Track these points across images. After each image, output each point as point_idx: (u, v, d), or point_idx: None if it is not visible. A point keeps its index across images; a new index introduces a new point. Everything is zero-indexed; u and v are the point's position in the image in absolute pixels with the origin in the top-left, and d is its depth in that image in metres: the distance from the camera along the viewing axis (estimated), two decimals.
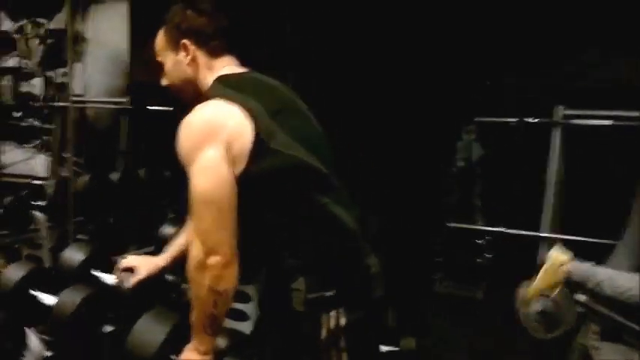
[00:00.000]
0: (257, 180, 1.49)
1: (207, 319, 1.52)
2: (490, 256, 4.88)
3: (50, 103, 5.89)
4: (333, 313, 1.48)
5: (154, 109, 4.46)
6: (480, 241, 4.90)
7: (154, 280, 2.05)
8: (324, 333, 1.48)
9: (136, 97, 5.13)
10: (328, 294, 1.49)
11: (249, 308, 2.88)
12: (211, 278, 1.45)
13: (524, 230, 4.19)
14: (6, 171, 6.10)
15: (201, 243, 1.45)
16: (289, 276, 1.51)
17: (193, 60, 1.65)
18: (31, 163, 6.20)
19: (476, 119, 4.59)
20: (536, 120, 4.09)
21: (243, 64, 1.72)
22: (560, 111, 4.07)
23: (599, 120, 3.94)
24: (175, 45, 1.66)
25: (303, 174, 1.53)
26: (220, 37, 1.66)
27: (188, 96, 1.69)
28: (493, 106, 4.59)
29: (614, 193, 4.12)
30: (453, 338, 3.97)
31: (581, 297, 2.95)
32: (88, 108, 5.62)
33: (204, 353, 1.56)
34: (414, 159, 4.69)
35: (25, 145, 6.29)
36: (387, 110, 4.70)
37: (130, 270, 2.02)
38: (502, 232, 4.33)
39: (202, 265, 1.45)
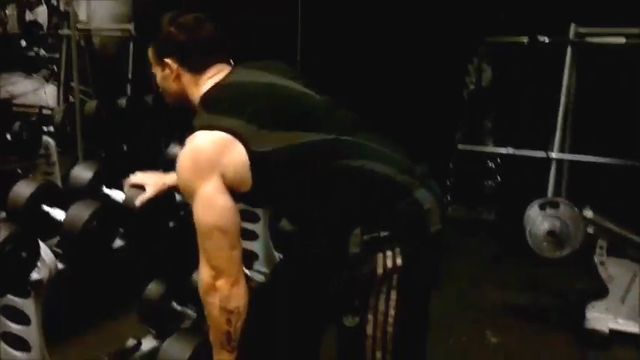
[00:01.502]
0: (272, 180, 1.53)
1: (223, 336, 1.60)
2: (499, 178, 4.88)
3: (55, 31, 5.89)
4: (389, 252, 1.46)
5: None
6: (490, 164, 4.89)
7: (162, 197, 2.08)
8: (380, 271, 1.46)
9: (141, 23, 5.08)
10: (383, 234, 1.47)
11: (258, 228, 2.92)
12: (221, 298, 1.53)
13: (536, 151, 4.19)
14: (16, 101, 6.14)
15: (208, 267, 1.53)
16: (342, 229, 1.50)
17: (178, 77, 1.68)
18: (39, 93, 6.24)
19: (487, 39, 4.50)
20: (548, 39, 4.01)
21: (232, 59, 1.73)
22: (574, 29, 3.99)
23: (613, 37, 3.86)
24: (161, 62, 1.69)
25: (310, 152, 1.53)
26: (204, 52, 1.67)
27: (177, 104, 1.74)
28: (506, 25, 4.48)
29: (626, 112, 4.08)
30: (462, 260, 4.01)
31: (588, 213, 2.96)
32: (93, 35, 5.58)
33: None
34: (424, 81, 4.62)
35: (34, 75, 6.32)
36: (396, 31, 4.60)
37: (139, 187, 2.04)
38: (512, 153, 4.33)
39: (211, 288, 1.53)
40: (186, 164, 1.52)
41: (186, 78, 1.67)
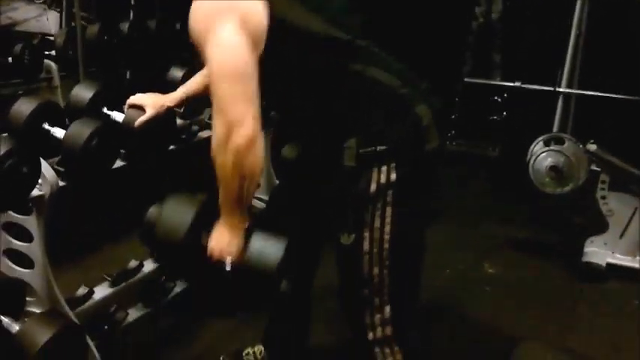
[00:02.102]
0: (280, 58, 1.44)
1: (234, 198, 1.45)
2: (505, 113, 4.83)
3: None
4: (384, 167, 1.46)
5: None
6: (496, 98, 4.84)
7: (162, 118, 2.06)
8: (373, 187, 1.46)
9: None
10: (380, 148, 1.45)
11: None
12: (236, 154, 1.34)
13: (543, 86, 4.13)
14: (18, 28, 6.04)
15: (222, 119, 1.35)
16: (338, 137, 1.48)
17: None
18: (42, 19, 6.13)
19: None
20: None
21: None
22: None
23: None
24: None
25: (326, 45, 1.48)
26: None
27: None
28: None
29: (635, 48, 4.01)
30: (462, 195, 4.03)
31: (592, 146, 2.95)
32: None
33: (236, 228, 1.50)
34: (432, 10, 4.52)
35: (36, 1, 6.19)
36: None
37: (139, 107, 2.03)
38: (519, 87, 4.27)
39: (224, 143, 1.35)
40: (206, 4, 1.37)
41: None
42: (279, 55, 1.43)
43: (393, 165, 1.45)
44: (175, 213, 1.60)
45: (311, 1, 1.50)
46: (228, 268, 1.51)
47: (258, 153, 1.38)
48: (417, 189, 1.51)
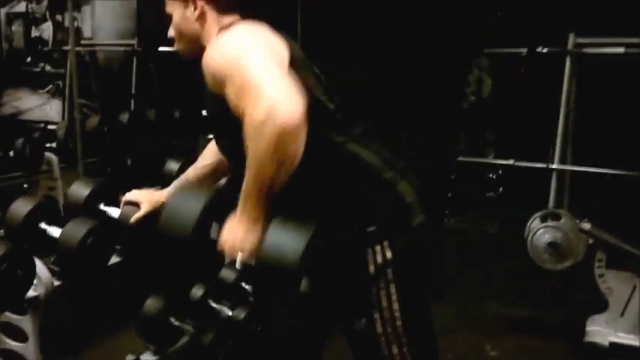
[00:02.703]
0: None
1: (263, 186, 1.35)
2: (501, 189, 4.88)
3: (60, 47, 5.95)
4: (377, 247, 1.49)
5: (163, 51, 4.44)
6: (491, 175, 4.90)
7: (157, 214, 2.09)
8: (372, 268, 1.50)
9: (145, 38, 5.12)
10: (370, 229, 1.49)
11: None
12: (281, 132, 1.24)
13: (536, 163, 4.19)
14: (22, 117, 6.20)
15: (262, 99, 1.26)
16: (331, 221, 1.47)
17: (201, 16, 1.61)
18: (45, 108, 6.30)
19: (486, 50, 4.52)
20: (546, 50, 4.02)
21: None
22: (573, 39, 4.00)
23: (612, 47, 3.86)
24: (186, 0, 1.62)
25: (321, 113, 1.49)
26: None
27: (190, 52, 1.65)
28: (504, 36, 4.50)
29: (627, 122, 4.09)
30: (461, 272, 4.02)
31: (586, 225, 2.97)
32: (97, 51, 5.64)
33: (255, 221, 1.39)
34: (423, 92, 4.65)
35: (40, 91, 6.38)
36: (396, 43, 4.62)
37: (134, 204, 2.06)
38: (512, 165, 4.33)
39: (265, 120, 1.24)
40: (224, 47, 1.43)
41: (210, 17, 1.60)
42: None
43: (386, 244, 1.49)
44: (185, 201, 1.47)
45: (307, 68, 1.55)
46: (238, 266, 1.40)
47: (303, 137, 1.29)
48: (414, 263, 1.56)
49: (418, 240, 1.57)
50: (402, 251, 1.50)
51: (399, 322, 1.52)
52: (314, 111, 1.34)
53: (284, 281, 1.34)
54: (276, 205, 1.41)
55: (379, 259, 1.49)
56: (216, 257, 1.43)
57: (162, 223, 1.47)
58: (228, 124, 1.42)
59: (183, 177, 2.16)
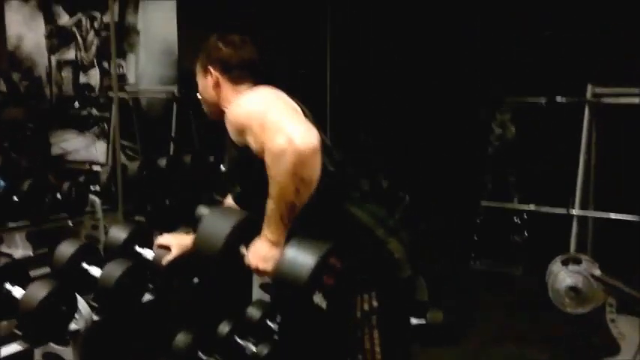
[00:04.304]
0: None
1: (285, 207, 1.54)
2: (526, 234, 4.97)
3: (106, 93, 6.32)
4: (365, 296, 1.70)
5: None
6: (516, 219, 5.00)
7: (187, 256, 2.30)
8: (359, 314, 1.70)
9: (185, 86, 5.42)
10: (360, 278, 1.71)
11: None
12: (298, 160, 1.46)
13: (557, 207, 4.29)
14: (69, 157, 6.57)
15: (281, 132, 1.49)
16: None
17: (217, 85, 1.88)
18: (91, 149, 6.66)
19: (508, 99, 4.68)
20: (564, 99, 4.17)
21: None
22: (591, 89, 4.13)
23: (630, 97, 3.98)
24: (205, 70, 1.90)
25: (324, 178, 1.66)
26: (244, 68, 1.87)
27: (214, 114, 1.94)
28: (527, 85, 4.65)
29: None
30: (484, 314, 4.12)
31: (597, 271, 3.07)
32: (140, 97, 5.98)
33: (276, 244, 1.60)
34: (449, 139, 4.82)
35: (86, 133, 6.75)
36: (423, 91, 4.83)
37: (166, 247, 2.28)
38: (533, 210, 4.45)
39: (285, 150, 1.47)
40: (244, 107, 1.67)
41: (225, 87, 1.87)
42: None
43: (373, 294, 1.70)
44: (217, 221, 1.67)
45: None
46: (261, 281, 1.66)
47: (319, 162, 1.51)
48: (396, 312, 1.77)
49: (402, 292, 1.79)
50: (386, 301, 1.71)
51: None
52: (326, 177, 1.59)
53: (296, 296, 1.55)
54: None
55: (366, 306, 1.70)
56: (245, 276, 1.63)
57: (196, 238, 1.69)
58: (249, 170, 1.68)
59: None
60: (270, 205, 1.57)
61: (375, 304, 1.69)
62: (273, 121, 1.53)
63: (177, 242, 2.26)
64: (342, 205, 1.75)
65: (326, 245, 1.56)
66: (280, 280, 1.55)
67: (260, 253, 1.63)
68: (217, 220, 1.68)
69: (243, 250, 1.64)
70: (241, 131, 1.65)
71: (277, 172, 1.50)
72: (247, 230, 1.64)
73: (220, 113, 1.83)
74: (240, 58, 1.87)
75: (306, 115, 1.69)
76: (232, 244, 1.62)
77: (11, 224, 3.54)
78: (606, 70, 4.19)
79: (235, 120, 1.69)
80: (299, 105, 1.73)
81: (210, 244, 1.62)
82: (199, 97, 1.97)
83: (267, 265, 1.61)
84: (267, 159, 1.51)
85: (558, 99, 4.22)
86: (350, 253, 1.71)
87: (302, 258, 1.53)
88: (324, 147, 1.74)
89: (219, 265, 1.65)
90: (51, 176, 4.51)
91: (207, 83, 1.90)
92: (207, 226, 1.67)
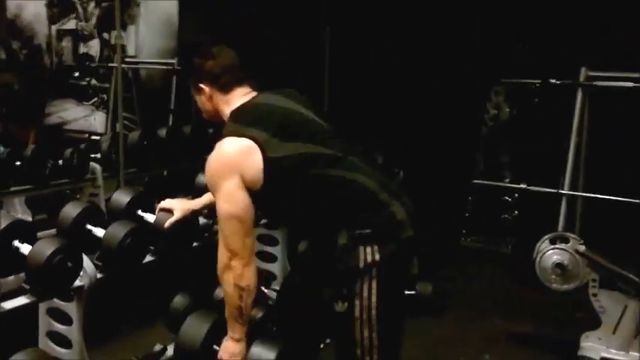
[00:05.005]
0: (280, 181, 1.87)
1: (236, 310, 1.92)
2: (516, 212, 5.07)
3: (106, 63, 6.35)
4: (369, 249, 1.80)
5: None
6: (507, 198, 5.10)
7: (188, 220, 2.39)
8: (361, 264, 1.80)
9: (185, 57, 5.45)
10: (365, 232, 1.81)
11: (276, 251, 3.22)
12: (235, 276, 1.87)
13: (548, 188, 4.38)
14: (67, 127, 6.61)
15: (225, 250, 1.87)
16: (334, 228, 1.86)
17: (210, 98, 2.06)
18: (89, 119, 6.71)
19: (503, 80, 4.75)
20: (558, 81, 4.24)
21: (257, 86, 2.09)
22: (584, 72, 4.20)
23: (622, 82, 4.06)
24: (197, 89, 2.09)
25: (313, 160, 1.89)
26: (227, 73, 2.04)
27: (216, 121, 2.11)
28: (522, 67, 4.71)
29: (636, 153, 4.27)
30: (472, 289, 4.23)
31: (581, 247, 3.17)
32: (140, 68, 6.02)
33: (238, 340, 1.98)
34: (445, 118, 4.90)
35: (85, 103, 6.79)
36: (420, 70, 4.90)
37: (168, 211, 2.36)
38: (524, 188, 4.53)
39: (227, 267, 1.87)
40: (214, 164, 1.88)
41: (218, 98, 2.05)
42: (277, 180, 1.85)
43: (375, 248, 1.81)
44: (193, 330, 2.14)
45: (299, 133, 1.93)
46: None
47: (253, 275, 1.90)
48: (396, 268, 1.87)
49: (403, 250, 1.88)
50: (388, 257, 1.81)
51: (373, 312, 1.82)
52: (307, 165, 1.87)
53: None
54: (300, 216, 1.98)
55: (369, 258, 1.81)
56: None
57: (178, 338, 2.17)
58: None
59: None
60: (226, 309, 1.96)
61: (377, 257, 1.80)
62: (228, 232, 1.87)
63: (179, 206, 2.35)
64: (343, 176, 1.87)
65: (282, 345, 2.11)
66: None
67: (228, 350, 1.99)
68: (195, 325, 2.16)
69: (215, 347, 2.06)
70: (212, 190, 1.95)
71: (223, 283, 1.91)
72: (219, 330, 2.07)
73: (219, 118, 2.07)
74: (222, 66, 2.04)
75: (282, 135, 1.88)
76: (207, 345, 2.10)
77: (13, 188, 3.61)
78: (600, 54, 4.25)
79: (206, 174, 1.93)
80: (279, 124, 1.91)
81: (189, 345, 2.12)
82: (201, 112, 2.16)
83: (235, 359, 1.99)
84: (218, 268, 1.91)
85: (552, 81, 4.28)
86: (355, 213, 1.85)
87: (265, 353, 2.09)
88: (319, 135, 1.97)
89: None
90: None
91: (203, 100, 2.09)
92: (187, 330, 2.16)
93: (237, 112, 1.98)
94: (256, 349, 2.09)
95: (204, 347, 2.09)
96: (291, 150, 1.87)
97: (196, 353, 2.09)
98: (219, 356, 2.01)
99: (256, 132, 1.86)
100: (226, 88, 2.03)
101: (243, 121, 1.91)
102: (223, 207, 1.86)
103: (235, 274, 1.86)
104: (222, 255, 1.88)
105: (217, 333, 2.08)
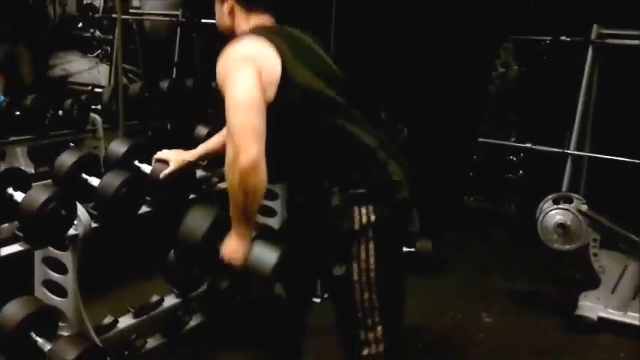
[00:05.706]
0: (283, 107, 1.77)
1: (240, 211, 1.76)
2: (521, 172, 5.03)
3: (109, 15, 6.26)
4: (364, 209, 1.77)
5: (205, 22, 4.69)
6: (512, 158, 5.05)
7: (184, 171, 2.37)
8: (357, 226, 1.77)
9: (189, 10, 5.37)
10: (360, 191, 1.78)
11: (276, 205, 3.20)
12: (241, 174, 1.65)
13: (554, 147, 4.33)
14: (71, 79, 6.56)
15: (232, 143, 1.67)
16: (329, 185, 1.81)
17: (231, 12, 1.96)
18: (93, 72, 6.65)
19: (513, 37, 4.65)
20: (569, 39, 4.15)
21: (277, 21, 2.00)
22: (596, 30, 4.10)
23: (633, 40, 3.96)
24: None
25: (320, 101, 1.83)
26: None
27: (230, 39, 1.96)
28: (533, 24, 4.61)
29: None
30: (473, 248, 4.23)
31: (583, 207, 3.14)
32: (144, 20, 5.93)
33: (243, 238, 1.82)
34: (452, 74, 4.81)
35: (89, 55, 6.73)
36: (427, 26, 4.79)
37: (164, 162, 2.34)
38: (530, 148, 4.48)
39: (234, 162, 1.66)
40: (232, 55, 1.77)
41: (239, 14, 1.95)
42: (282, 103, 1.76)
43: (371, 208, 1.78)
44: (195, 222, 1.96)
45: (314, 67, 1.85)
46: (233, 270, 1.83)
47: (261, 174, 1.68)
48: (392, 229, 1.85)
49: (399, 210, 1.86)
50: (383, 217, 1.78)
51: (372, 274, 1.80)
52: (316, 103, 1.80)
53: (261, 286, 1.89)
54: (295, 168, 1.90)
55: (364, 219, 1.77)
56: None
57: (179, 233, 1.98)
58: None
59: (210, 141, 2.43)
60: (230, 205, 1.78)
61: (372, 218, 1.77)
62: (233, 116, 1.69)
63: (175, 157, 2.32)
64: (344, 128, 1.83)
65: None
66: (247, 271, 1.84)
67: (231, 247, 1.83)
68: (196, 218, 1.98)
69: (218, 243, 1.88)
70: (221, 86, 1.77)
71: (229, 182, 1.72)
72: (222, 225, 1.89)
73: (236, 39, 1.91)
74: None
75: (292, 66, 1.78)
76: (209, 239, 1.92)
77: (13, 138, 3.59)
78: (613, 11, 4.13)
79: (217, 75, 1.79)
80: (292, 52, 1.80)
81: (190, 239, 1.95)
82: (217, 24, 2.04)
83: (237, 257, 1.82)
84: (225, 160, 1.72)
85: (562, 38, 4.19)
86: (351, 168, 1.81)
87: (266, 254, 1.84)
88: (329, 78, 1.90)
89: (199, 256, 1.98)
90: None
91: (223, 11, 1.98)
92: (188, 223, 1.98)
93: (258, 29, 1.89)
94: (257, 249, 1.85)
95: (206, 241, 1.92)
96: (308, 79, 1.80)
97: (197, 247, 1.93)
98: (221, 253, 1.86)
99: (279, 42, 1.78)
100: (251, 6, 1.94)
101: (265, 34, 1.82)
102: (234, 93, 1.70)
103: (241, 171, 1.65)
104: (228, 151, 1.69)
105: (222, 226, 1.90)
